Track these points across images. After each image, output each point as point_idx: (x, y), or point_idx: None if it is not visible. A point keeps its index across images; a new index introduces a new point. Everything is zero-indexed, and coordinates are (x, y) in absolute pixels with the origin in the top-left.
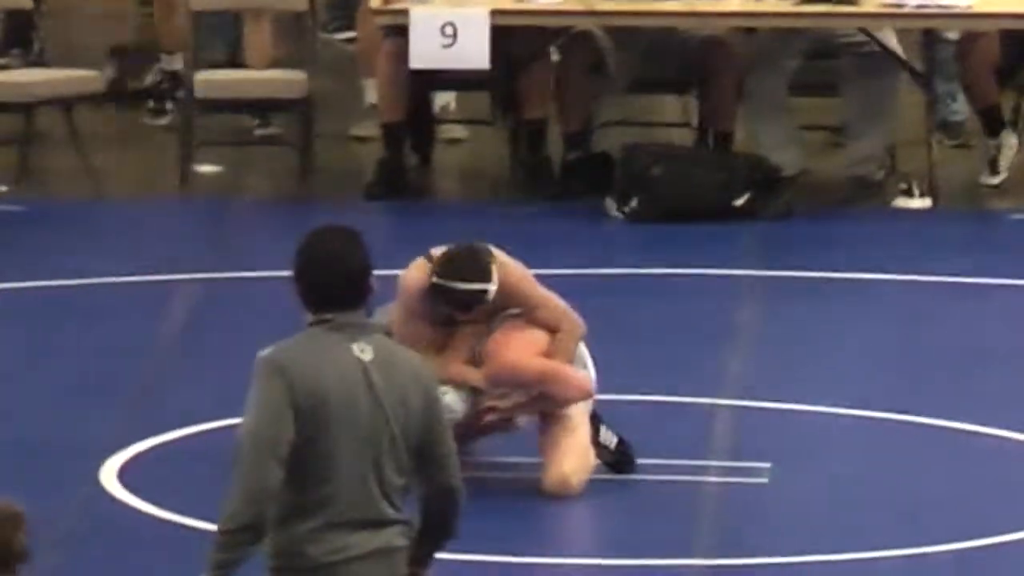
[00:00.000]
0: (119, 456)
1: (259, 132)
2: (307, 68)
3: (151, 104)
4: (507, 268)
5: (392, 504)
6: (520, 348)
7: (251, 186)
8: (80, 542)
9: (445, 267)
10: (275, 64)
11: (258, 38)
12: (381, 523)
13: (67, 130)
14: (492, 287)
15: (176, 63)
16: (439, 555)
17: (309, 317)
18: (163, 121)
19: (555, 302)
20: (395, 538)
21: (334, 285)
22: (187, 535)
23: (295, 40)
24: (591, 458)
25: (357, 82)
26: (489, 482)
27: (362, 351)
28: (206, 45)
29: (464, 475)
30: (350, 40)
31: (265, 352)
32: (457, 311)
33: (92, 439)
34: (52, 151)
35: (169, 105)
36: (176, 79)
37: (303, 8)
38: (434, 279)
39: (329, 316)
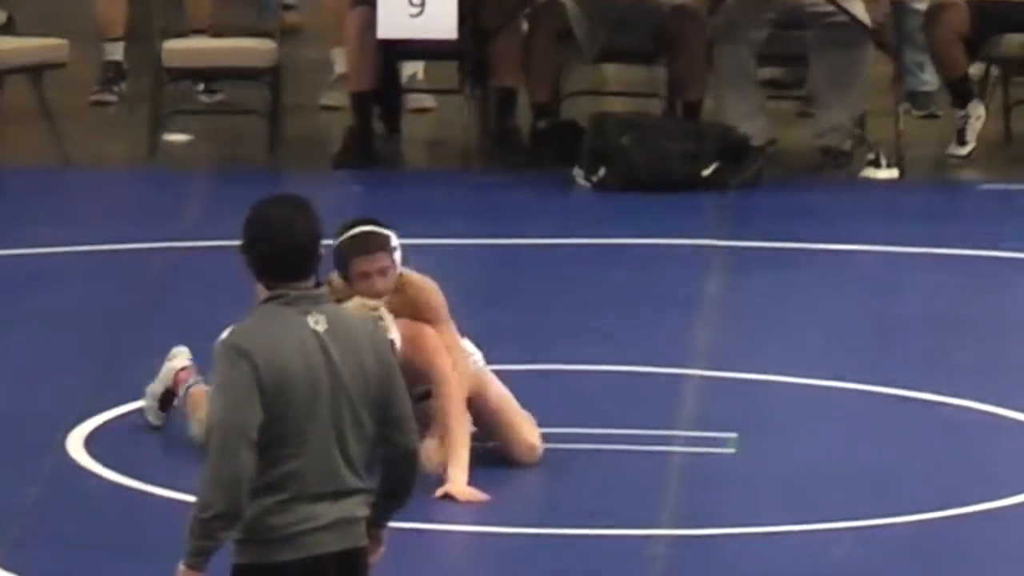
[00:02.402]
0: (85, 426)
1: (205, 100)
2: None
3: (96, 89)
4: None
5: (355, 472)
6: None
7: (219, 155)
8: (47, 511)
9: (343, 229)
10: (242, 33)
11: (201, 2)
12: (344, 493)
13: (35, 98)
14: (392, 235)
15: (118, 53)
16: (403, 526)
17: (261, 290)
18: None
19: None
20: (357, 507)
21: (286, 256)
22: (153, 503)
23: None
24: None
25: (326, 51)
26: None
27: (316, 323)
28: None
29: None
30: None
31: (225, 336)
32: (362, 259)
33: (58, 408)
34: (19, 119)
35: (114, 97)
36: (119, 68)
37: None
38: (339, 245)
39: (282, 291)
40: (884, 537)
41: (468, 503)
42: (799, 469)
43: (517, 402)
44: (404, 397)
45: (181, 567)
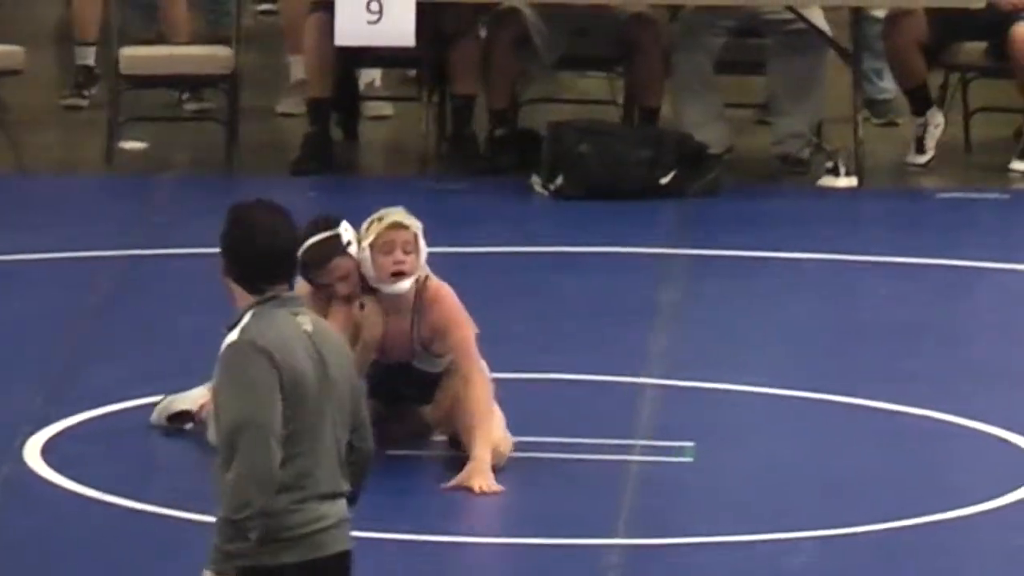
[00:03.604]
0: (43, 433)
1: (189, 107)
2: (233, 44)
3: (66, 93)
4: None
5: (343, 474)
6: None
7: (177, 162)
8: (3, 519)
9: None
10: (201, 40)
11: (176, 11)
12: (340, 493)
13: None
14: (343, 232)
15: (90, 57)
16: (359, 535)
17: (243, 294)
18: (83, 103)
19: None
20: (346, 509)
21: (274, 259)
22: (111, 512)
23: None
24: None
25: (283, 58)
26: (411, 460)
27: (306, 324)
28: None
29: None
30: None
31: (241, 337)
32: (319, 269)
33: (15, 416)
34: None
35: (85, 101)
36: (91, 73)
37: None
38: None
39: (272, 293)
40: (842, 546)
41: (482, 492)
42: (756, 478)
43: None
44: (364, 402)
45: (208, 574)
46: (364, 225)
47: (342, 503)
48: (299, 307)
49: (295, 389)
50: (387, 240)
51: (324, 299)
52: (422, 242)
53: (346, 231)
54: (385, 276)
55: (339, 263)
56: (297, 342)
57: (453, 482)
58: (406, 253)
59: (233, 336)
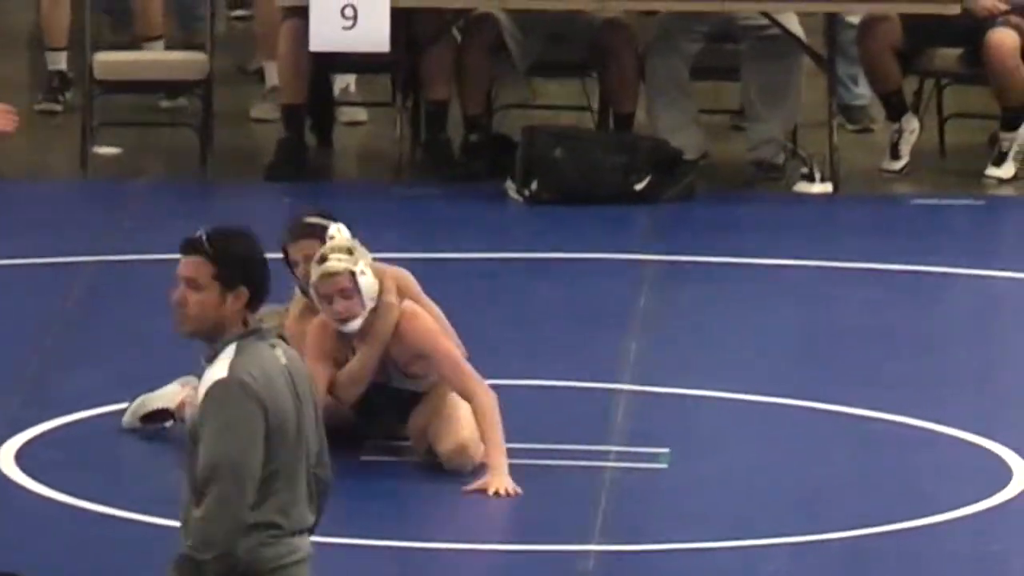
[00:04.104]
0: (16, 439)
1: (165, 104)
2: (207, 49)
3: (41, 98)
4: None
5: (311, 508)
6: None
7: (151, 167)
8: None
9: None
10: (175, 45)
11: (151, 13)
12: (309, 528)
13: None
14: (333, 227)
15: (62, 62)
16: (330, 541)
17: (234, 319)
18: (57, 108)
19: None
20: (310, 542)
21: (267, 287)
22: (84, 517)
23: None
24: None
25: (258, 64)
26: (385, 465)
27: (281, 356)
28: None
29: (360, 459)
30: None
31: (231, 376)
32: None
33: None
34: None
35: (59, 106)
36: (64, 78)
37: None
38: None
39: (254, 325)
40: (816, 553)
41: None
42: (731, 484)
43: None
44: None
45: None
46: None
47: (308, 537)
48: (273, 338)
49: (279, 429)
50: (324, 293)
51: (311, 316)
52: (361, 278)
53: (338, 230)
54: (333, 322)
55: (308, 244)
56: (280, 379)
57: (473, 486)
58: (346, 298)
59: (221, 373)
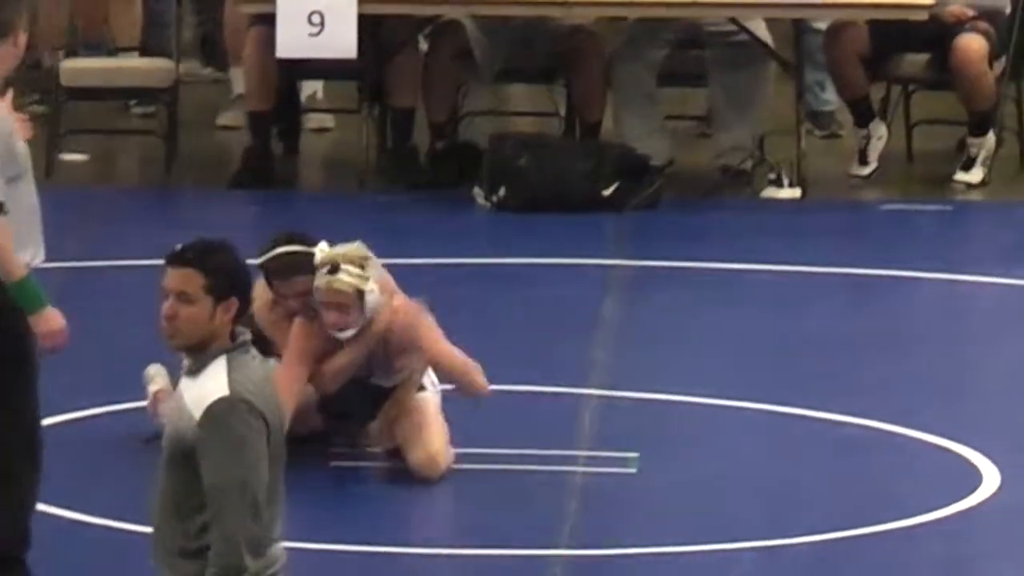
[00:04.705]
0: None
1: (136, 111)
2: (174, 57)
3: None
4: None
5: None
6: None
7: (117, 175)
8: None
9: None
10: (143, 52)
11: (127, 15)
12: (282, 537)
13: None
14: (318, 252)
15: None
16: (297, 547)
17: (222, 332)
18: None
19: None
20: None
21: (252, 297)
22: (56, 524)
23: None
24: (450, 445)
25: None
26: (353, 472)
27: (265, 369)
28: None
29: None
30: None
31: (233, 393)
32: (280, 280)
33: None
34: None
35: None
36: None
37: None
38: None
39: (241, 337)
40: (786, 557)
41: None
42: (700, 489)
43: (443, 425)
44: None
45: None
46: (319, 257)
47: (282, 544)
48: (253, 349)
49: (275, 442)
50: (325, 301)
51: (284, 312)
52: (368, 296)
53: (321, 252)
54: (329, 325)
55: (302, 281)
56: (269, 390)
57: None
58: (343, 313)
59: (221, 390)
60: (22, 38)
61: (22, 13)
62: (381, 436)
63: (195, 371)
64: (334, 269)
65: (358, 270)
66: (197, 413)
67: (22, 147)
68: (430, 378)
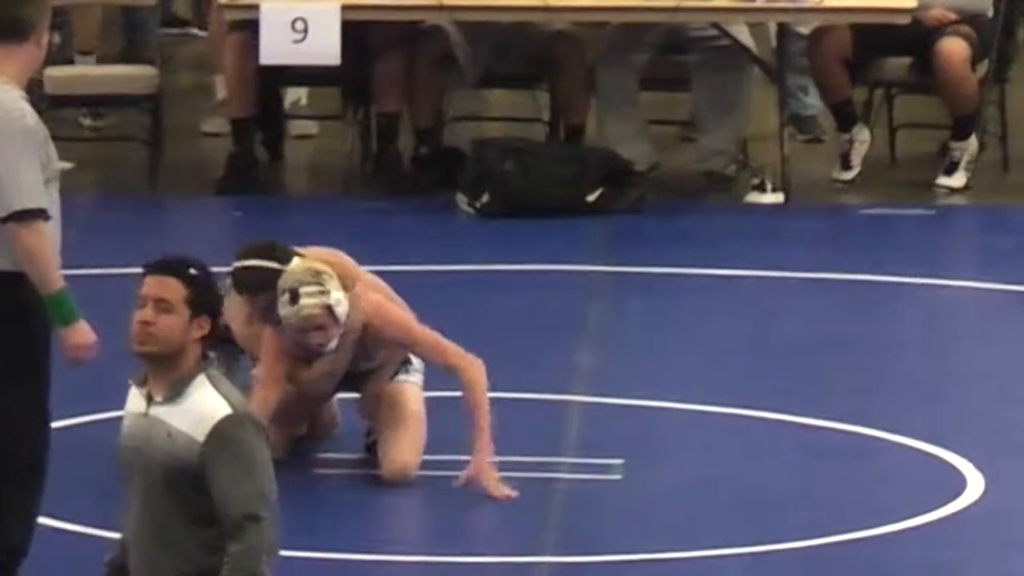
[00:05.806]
0: None
1: (89, 123)
2: (156, 63)
3: None
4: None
5: None
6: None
7: (101, 182)
8: None
9: (238, 251)
10: (124, 59)
11: (87, 23)
12: None
13: None
14: (283, 268)
15: None
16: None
17: (196, 349)
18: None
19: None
20: None
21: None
22: (42, 533)
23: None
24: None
25: (208, 77)
26: (332, 479)
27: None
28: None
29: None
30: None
31: (236, 409)
32: (247, 294)
33: None
34: None
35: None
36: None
37: (150, 3)
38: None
39: (209, 358)
40: (769, 563)
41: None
42: (684, 495)
43: (421, 423)
44: None
45: None
46: (279, 285)
47: None
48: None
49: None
50: (299, 329)
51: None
52: (337, 309)
53: (289, 273)
54: (313, 348)
55: (267, 299)
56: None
57: (462, 479)
58: (323, 331)
59: (222, 408)
60: (46, 38)
61: (46, 12)
62: (364, 411)
63: (173, 396)
64: (294, 298)
65: (316, 287)
66: (198, 434)
67: (54, 151)
68: (413, 362)
